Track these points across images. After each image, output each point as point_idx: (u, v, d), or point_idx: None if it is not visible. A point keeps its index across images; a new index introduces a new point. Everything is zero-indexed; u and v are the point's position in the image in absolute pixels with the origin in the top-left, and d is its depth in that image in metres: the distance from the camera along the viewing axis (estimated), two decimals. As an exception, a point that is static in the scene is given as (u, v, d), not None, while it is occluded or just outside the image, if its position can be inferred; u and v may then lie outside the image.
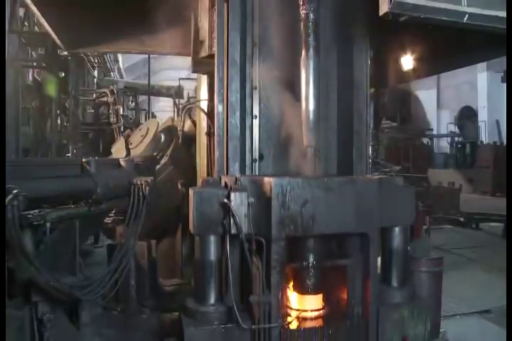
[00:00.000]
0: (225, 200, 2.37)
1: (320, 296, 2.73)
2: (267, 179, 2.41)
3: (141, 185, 2.79)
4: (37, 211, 2.32)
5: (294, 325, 2.58)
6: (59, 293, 2.41)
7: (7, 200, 2.09)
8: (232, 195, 2.38)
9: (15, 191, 2.12)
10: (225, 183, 2.57)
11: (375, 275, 2.60)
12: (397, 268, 2.80)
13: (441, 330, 3.71)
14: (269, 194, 2.33)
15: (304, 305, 2.69)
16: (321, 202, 2.41)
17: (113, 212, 3.40)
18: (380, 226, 2.60)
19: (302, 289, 2.70)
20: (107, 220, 3.64)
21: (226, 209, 2.39)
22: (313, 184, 2.41)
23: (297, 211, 2.36)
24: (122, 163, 3.30)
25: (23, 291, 2.39)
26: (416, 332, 2.74)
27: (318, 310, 2.70)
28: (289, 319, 2.56)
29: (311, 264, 2.64)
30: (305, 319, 2.64)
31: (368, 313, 2.59)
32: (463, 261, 6.79)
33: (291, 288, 2.71)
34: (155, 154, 4.17)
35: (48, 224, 2.30)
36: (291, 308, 2.68)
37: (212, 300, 2.50)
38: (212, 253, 2.48)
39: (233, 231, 2.38)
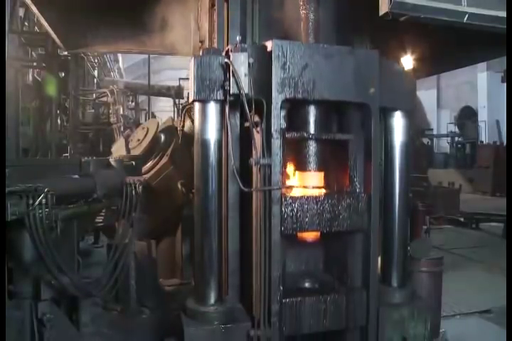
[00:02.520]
0: (226, 60, 2.37)
1: (321, 174, 2.72)
2: (267, 42, 2.43)
3: (135, 184, 2.81)
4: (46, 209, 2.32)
5: (294, 193, 2.59)
6: (74, 291, 2.43)
7: (38, 199, 2.11)
8: (232, 55, 2.39)
9: (46, 189, 2.13)
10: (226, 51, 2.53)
11: (375, 152, 2.63)
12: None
13: (441, 330, 3.70)
14: (270, 55, 2.35)
15: (304, 182, 2.67)
16: (321, 67, 2.44)
17: (103, 211, 3.41)
18: (379, 102, 2.60)
19: (303, 166, 2.69)
20: (98, 219, 3.65)
21: (227, 71, 2.39)
22: (314, 48, 2.46)
23: (297, 73, 2.38)
24: (112, 162, 3.32)
25: (32, 290, 2.40)
26: (416, 332, 2.74)
27: (319, 187, 2.70)
28: (288, 186, 2.55)
29: (311, 135, 2.63)
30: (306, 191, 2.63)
31: (369, 189, 2.62)
32: (463, 261, 6.79)
33: (292, 166, 2.71)
34: (140, 154, 4.17)
35: (59, 223, 2.30)
36: (292, 186, 2.66)
37: (212, 300, 2.50)
38: (213, 123, 2.46)
39: (234, 90, 2.37)
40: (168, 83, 17.05)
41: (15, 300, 2.37)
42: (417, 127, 22.77)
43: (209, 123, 2.47)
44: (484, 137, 20.32)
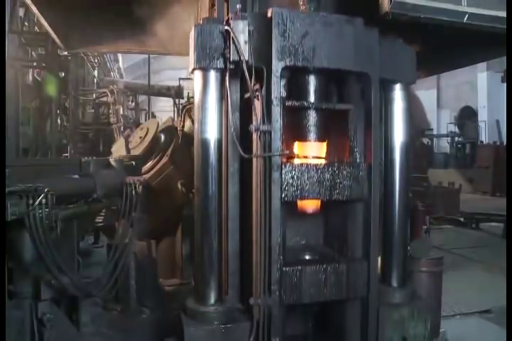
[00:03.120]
0: (226, 27, 2.39)
1: (321, 144, 2.73)
2: (267, 10, 2.45)
3: (135, 184, 2.81)
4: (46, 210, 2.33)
5: (295, 160, 2.60)
6: (74, 291, 2.43)
7: (38, 199, 2.12)
8: (233, 22, 2.39)
9: (46, 189, 2.14)
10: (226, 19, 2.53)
11: (376, 122, 2.64)
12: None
13: (441, 330, 3.70)
14: (269, 23, 2.37)
15: (305, 153, 2.68)
16: (321, 35, 2.45)
17: (103, 211, 3.41)
18: (379, 73, 2.61)
19: (303, 136, 2.70)
20: (98, 219, 3.65)
21: (227, 38, 2.41)
22: (313, 16, 2.48)
23: (297, 41, 2.40)
24: (112, 162, 3.32)
25: (32, 290, 2.40)
26: (416, 332, 2.74)
27: (319, 157, 2.70)
28: (289, 152, 2.54)
29: (311, 105, 2.63)
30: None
31: (370, 158, 2.63)
32: (463, 261, 6.79)
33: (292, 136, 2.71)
34: (140, 154, 4.17)
35: (59, 223, 2.30)
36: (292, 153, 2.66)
37: (212, 300, 2.50)
38: (213, 92, 2.48)
39: (234, 57, 2.38)
40: (168, 83, 17.05)
41: (15, 300, 2.37)
42: (417, 127, 22.78)
43: (209, 93, 2.48)
44: (484, 137, 20.31)
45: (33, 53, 11.76)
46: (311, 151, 2.69)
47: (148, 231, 3.66)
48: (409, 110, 2.88)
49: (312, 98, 2.66)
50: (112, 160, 3.39)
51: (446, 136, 23.02)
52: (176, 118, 6.81)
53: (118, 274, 2.69)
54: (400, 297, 2.81)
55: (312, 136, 2.68)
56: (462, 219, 10.10)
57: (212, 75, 2.48)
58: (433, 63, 3.89)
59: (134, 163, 3.66)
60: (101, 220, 3.73)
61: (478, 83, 20.92)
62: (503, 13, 2.53)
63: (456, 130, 22.69)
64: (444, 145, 23.63)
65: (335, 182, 2.53)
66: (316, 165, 2.53)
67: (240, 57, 2.37)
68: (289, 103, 2.53)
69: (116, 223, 2.98)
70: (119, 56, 23.29)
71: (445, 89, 24.25)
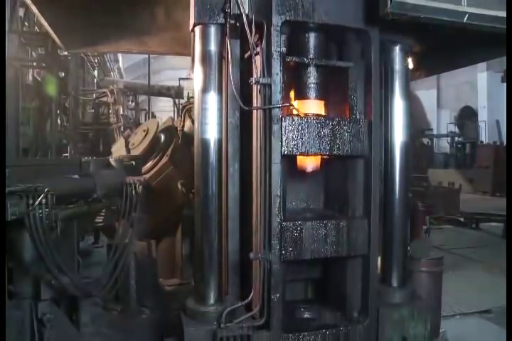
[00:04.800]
0: None
1: (321, 102, 2.75)
2: None
3: (135, 184, 2.81)
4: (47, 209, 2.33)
5: (295, 112, 2.61)
6: (74, 291, 2.43)
7: (38, 199, 2.12)
8: None
9: (46, 189, 2.14)
10: None
11: (376, 80, 2.67)
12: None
13: (441, 330, 3.70)
14: None
15: (304, 110, 2.68)
16: None
17: (103, 211, 3.41)
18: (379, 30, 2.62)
19: (303, 94, 2.71)
20: (98, 219, 3.65)
21: None
22: None
23: None
24: (112, 162, 3.32)
25: (32, 290, 2.40)
26: (416, 332, 2.74)
27: (319, 115, 2.71)
28: (289, 104, 2.55)
29: (311, 61, 2.64)
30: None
31: (370, 115, 2.65)
32: (463, 261, 6.79)
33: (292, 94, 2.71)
34: (140, 154, 4.17)
35: (59, 223, 2.30)
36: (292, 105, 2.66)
37: (212, 300, 2.50)
38: (213, 47, 2.49)
39: (234, 11, 2.40)
40: (168, 83, 17.04)
41: (15, 300, 2.37)
42: (417, 127, 22.78)
43: (210, 48, 2.49)
44: (484, 137, 20.31)
45: (33, 53, 11.75)
46: (311, 109, 2.70)
47: (148, 231, 3.66)
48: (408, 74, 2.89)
49: (312, 55, 2.67)
50: (112, 160, 3.40)
51: (446, 136, 23.02)
52: (176, 118, 6.81)
53: (118, 274, 2.68)
54: (400, 297, 2.81)
55: (312, 94, 2.70)
56: (462, 219, 10.10)
57: (213, 31, 2.49)
58: (433, 63, 3.89)
59: (134, 163, 3.66)
60: (101, 220, 3.73)
61: (478, 83, 20.92)
62: (503, 13, 2.53)
63: (456, 130, 22.69)
64: (444, 145, 23.63)
65: (335, 137, 2.54)
66: (316, 119, 2.54)
67: (240, 11, 2.39)
68: (288, 59, 2.55)
69: (116, 223, 2.98)
70: (119, 56, 23.29)
71: (445, 89, 24.24)
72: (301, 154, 2.57)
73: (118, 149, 4.55)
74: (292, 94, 2.75)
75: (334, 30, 2.66)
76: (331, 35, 2.75)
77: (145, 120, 14.94)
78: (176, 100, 15.19)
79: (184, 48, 3.83)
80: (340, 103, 2.80)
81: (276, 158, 2.40)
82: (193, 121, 4.35)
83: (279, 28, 2.40)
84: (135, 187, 2.83)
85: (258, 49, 2.46)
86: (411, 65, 2.96)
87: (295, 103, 2.72)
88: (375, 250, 2.67)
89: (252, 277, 2.51)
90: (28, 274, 2.38)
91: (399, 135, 2.84)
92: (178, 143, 4.30)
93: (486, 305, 4.80)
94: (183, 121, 4.40)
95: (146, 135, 4.31)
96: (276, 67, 2.41)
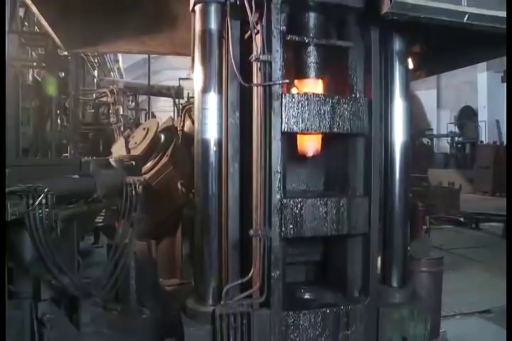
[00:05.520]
0: None
1: (320, 81, 2.76)
2: None
3: (135, 184, 2.82)
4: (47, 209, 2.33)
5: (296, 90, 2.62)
6: (74, 291, 2.43)
7: (38, 199, 2.11)
8: None
9: (46, 189, 2.14)
10: None
11: (376, 60, 2.68)
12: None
13: (441, 330, 3.70)
14: None
15: (304, 89, 2.68)
16: None
17: (103, 211, 3.42)
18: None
19: (302, 73, 2.72)
20: (98, 219, 3.65)
21: None
22: None
23: None
24: (112, 162, 3.32)
25: (32, 290, 2.40)
26: (416, 332, 2.74)
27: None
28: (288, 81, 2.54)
29: (311, 40, 2.65)
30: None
31: (370, 94, 2.67)
32: (463, 261, 6.79)
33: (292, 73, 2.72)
34: (140, 154, 4.17)
35: (59, 223, 2.30)
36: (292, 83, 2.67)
37: (212, 300, 2.50)
38: (214, 26, 2.50)
39: None
40: (168, 83, 17.04)
41: (15, 300, 2.36)
42: (417, 127, 22.78)
43: (211, 26, 2.49)
44: (484, 137, 20.32)
45: (33, 53, 11.75)
46: (311, 88, 2.71)
47: (148, 231, 3.66)
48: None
49: (312, 34, 2.68)
50: (112, 160, 3.39)
51: (446, 136, 23.04)
52: (176, 118, 6.81)
53: (118, 274, 2.68)
54: (400, 297, 2.81)
55: (312, 73, 2.70)
56: (462, 219, 10.10)
57: (213, 9, 2.50)
58: (433, 63, 3.89)
59: (134, 163, 3.66)
60: (101, 220, 3.73)
61: (478, 83, 20.92)
62: (503, 13, 2.53)
63: (456, 130, 22.70)
64: (444, 145, 23.64)
65: (335, 114, 2.56)
66: (316, 97, 2.54)
67: None
68: (289, 37, 2.55)
69: (116, 223, 2.98)
70: (119, 56, 23.28)
71: (445, 89, 24.26)
72: (302, 132, 2.58)
73: (118, 149, 4.54)
74: (292, 73, 2.76)
75: (334, 9, 2.66)
76: (331, 15, 2.75)
77: (145, 120, 14.94)
78: (176, 100, 15.18)
79: (184, 48, 3.83)
80: (340, 83, 2.81)
81: (276, 134, 2.41)
82: (193, 121, 4.35)
83: (279, 6, 2.41)
84: (135, 187, 2.82)
85: (258, 27, 2.46)
86: (411, 65, 2.95)
87: (295, 82, 2.73)
88: (376, 229, 2.68)
89: (252, 256, 2.49)
90: (28, 274, 2.38)
91: (399, 135, 2.84)
92: (178, 143, 4.29)
93: (486, 305, 4.81)
94: (183, 121, 4.40)
95: (146, 135, 4.31)
96: (277, 44, 2.42)
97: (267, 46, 2.42)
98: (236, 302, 2.40)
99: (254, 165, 2.51)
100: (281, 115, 2.44)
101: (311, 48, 2.69)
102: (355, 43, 2.74)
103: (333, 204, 2.57)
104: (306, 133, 2.67)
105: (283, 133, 2.45)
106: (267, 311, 2.44)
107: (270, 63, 2.41)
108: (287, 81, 2.48)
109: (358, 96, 2.71)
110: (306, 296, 2.85)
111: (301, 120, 2.49)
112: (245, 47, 2.63)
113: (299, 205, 2.49)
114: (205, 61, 2.53)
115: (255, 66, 2.48)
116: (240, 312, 2.38)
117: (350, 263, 2.77)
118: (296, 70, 2.75)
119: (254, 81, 2.51)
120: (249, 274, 2.45)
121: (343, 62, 2.78)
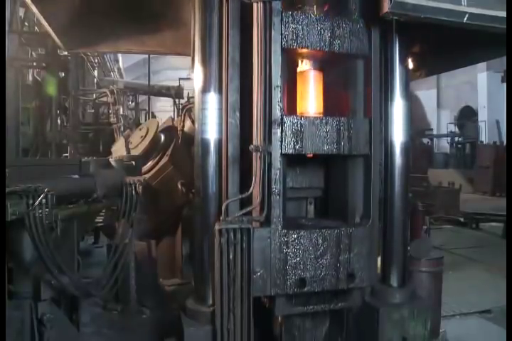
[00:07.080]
0: None
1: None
2: None
3: (135, 184, 2.82)
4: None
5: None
6: (74, 291, 2.44)
7: (38, 199, 2.11)
8: None
9: (46, 189, 2.14)
10: None
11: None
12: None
13: (441, 330, 3.70)
14: None
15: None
16: None
17: (103, 211, 3.42)
18: None
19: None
20: (98, 219, 3.66)
21: None
22: None
23: None
24: (112, 162, 3.32)
25: (32, 290, 2.40)
26: (416, 332, 2.74)
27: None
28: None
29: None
30: None
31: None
32: (463, 261, 6.79)
33: None
34: (140, 154, 4.17)
35: (59, 223, 2.30)
36: None
37: (212, 301, 2.49)
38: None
39: None
40: (168, 83, 17.04)
41: (15, 300, 2.37)
42: (417, 127, 22.79)
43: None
44: (484, 137, 20.32)
45: (33, 53, 11.75)
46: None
47: (148, 231, 3.66)
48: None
49: None
50: (112, 160, 3.39)
51: (446, 136, 23.04)
52: (176, 118, 6.81)
53: (118, 274, 2.68)
54: (400, 297, 2.80)
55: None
56: (462, 219, 10.10)
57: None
58: (433, 63, 3.89)
59: (134, 163, 3.66)
60: (101, 220, 3.73)
61: (478, 83, 20.92)
62: (503, 13, 2.53)
63: (456, 130, 22.70)
64: (444, 145, 23.65)
65: (334, 35, 2.56)
66: (316, 17, 2.54)
67: None
68: None
69: (116, 223, 2.98)
70: (119, 56, 23.27)
71: (445, 89, 24.26)
72: (301, 49, 2.56)
73: (118, 149, 4.55)
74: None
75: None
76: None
77: (145, 120, 14.92)
78: (176, 100, 15.17)
79: (184, 48, 3.83)
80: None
81: (276, 49, 2.40)
82: (193, 121, 4.36)
83: None
84: (135, 187, 2.82)
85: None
86: (411, 65, 2.95)
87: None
88: (377, 150, 2.67)
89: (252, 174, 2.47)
90: (28, 274, 2.38)
91: (399, 135, 2.84)
92: (178, 143, 4.30)
93: (486, 305, 4.81)
94: (183, 121, 4.41)
95: (146, 135, 4.31)
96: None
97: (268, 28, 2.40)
98: (236, 218, 2.35)
99: (254, 80, 2.47)
100: (281, 31, 2.42)
101: None
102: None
103: (334, 123, 2.55)
104: (306, 51, 2.63)
105: (283, 50, 2.43)
106: (267, 228, 2.40)
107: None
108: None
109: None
110: (307, 223, 2.81)
111: (301, 36, 2.47)
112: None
113: (300, 122, 2.46)
114: (205, 61, 2.52)
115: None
116: (240, 228, 2.32)
117: (351, 190, 2.73)
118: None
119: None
120: (250, 190, 2.40)
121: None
